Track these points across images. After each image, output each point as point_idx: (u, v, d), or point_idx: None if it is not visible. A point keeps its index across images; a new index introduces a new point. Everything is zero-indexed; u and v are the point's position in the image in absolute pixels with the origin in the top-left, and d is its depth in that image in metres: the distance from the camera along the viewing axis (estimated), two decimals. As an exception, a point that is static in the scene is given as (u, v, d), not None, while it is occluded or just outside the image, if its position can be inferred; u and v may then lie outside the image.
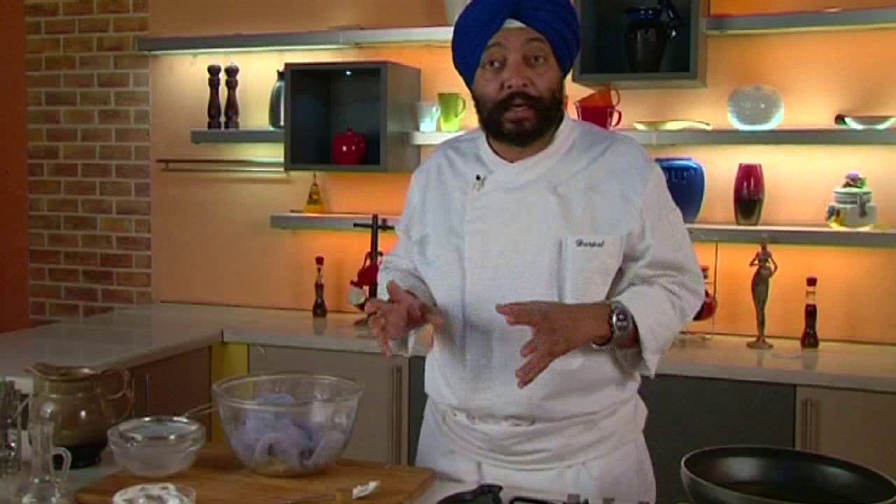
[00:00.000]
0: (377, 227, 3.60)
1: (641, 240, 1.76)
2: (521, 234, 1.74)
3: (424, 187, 1.90)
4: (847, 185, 3.18)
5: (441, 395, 1.86)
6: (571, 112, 3.43)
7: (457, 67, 1.82)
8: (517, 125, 1.72)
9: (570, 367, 1.73)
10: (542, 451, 1.78)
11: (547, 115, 1.74)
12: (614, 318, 1.68)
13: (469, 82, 1.80)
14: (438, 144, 1.97)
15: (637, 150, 1.81)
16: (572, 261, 1.71)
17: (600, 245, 1.72)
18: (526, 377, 1.58)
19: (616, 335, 1.68)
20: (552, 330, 1.59)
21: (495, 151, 1.82)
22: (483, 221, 1.77)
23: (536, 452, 1.78)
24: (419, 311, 1.71)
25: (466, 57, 1.76)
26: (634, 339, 1.72)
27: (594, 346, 1.71)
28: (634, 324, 1.70)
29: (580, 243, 1.71)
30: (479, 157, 1.84)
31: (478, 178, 1.80)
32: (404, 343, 1.83)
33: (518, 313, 1.57)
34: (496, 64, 1.72)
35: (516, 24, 1.70)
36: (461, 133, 1.95)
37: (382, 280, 1.92)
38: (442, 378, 1.85)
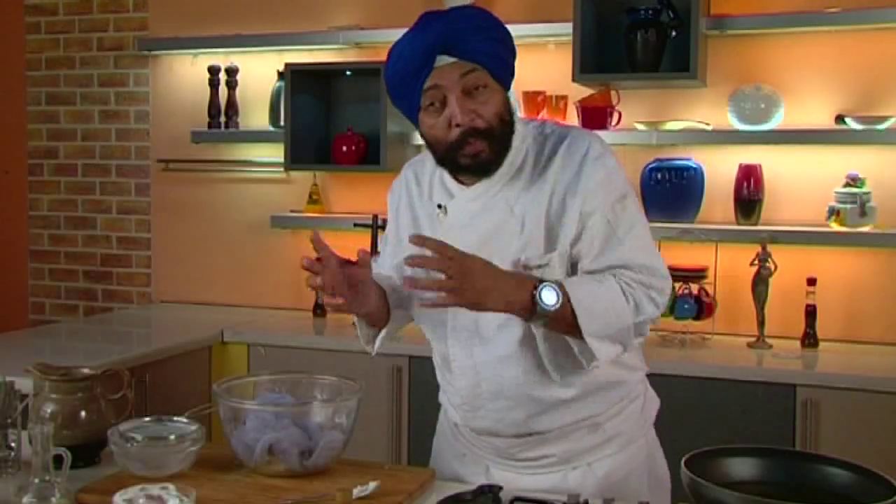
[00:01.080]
0: (377, 227, 3.60)
1: (579, 241, 1.68)
2: (490, 259, 1.65)
3: (396, 209, 1.90)
4: (847, 185, 3.18)
5: (447, 409, 1.90)
6: (572, 112, 3.45)
7: (398, 109, 1.76)
8: (474, 158, 1.67)
9: (555, 384, 1.72)
10: (547, 456, 1.78)
11: (501, 142, 1.69)
12: (537, 291, 1.57)
13: (414, 122, 1.75)
14: (407, 163, 1.94)
15: (584, 147, 1.70)
16: None
17: (546, 265, 1.67)
18: (419, 297, 1.56)
19: (540, 307, 1.56)
20: (464, 271, 1.53)
21: (454, 175, 1.77)
22: None
23: (542, 458, 1.79)
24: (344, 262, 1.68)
25: (406, 104, 1.71)
26: (577, 326, 1.61)
27: (519, 318, 1.62)
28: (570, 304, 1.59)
29: (526, 268, 1.66)
30: (442, 180, 1.80)
31: (439, 206, 1.78)
32: (372, 339, 1.82)
33: (436, 247, 1.53)
34: (436, 104, 1.66)
35: (448, 59, 1.64)
36: (425, 153, 1.86)
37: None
38: (446, 397, 1.88)
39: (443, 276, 1.53)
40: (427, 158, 1.85)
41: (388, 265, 1.88)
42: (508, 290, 1.58)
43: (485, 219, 1.73)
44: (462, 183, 1.76)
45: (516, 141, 1.73)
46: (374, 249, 3.60)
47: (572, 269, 1.69)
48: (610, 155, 1.72)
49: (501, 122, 1.68)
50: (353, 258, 1.70)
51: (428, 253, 1.54)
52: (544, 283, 1.59)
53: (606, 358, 1.66)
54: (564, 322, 1.60)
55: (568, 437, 1.77)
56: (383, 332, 1.81)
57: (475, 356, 1.74)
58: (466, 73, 1.64)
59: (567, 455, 1.78)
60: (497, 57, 1.68)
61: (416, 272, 1.62)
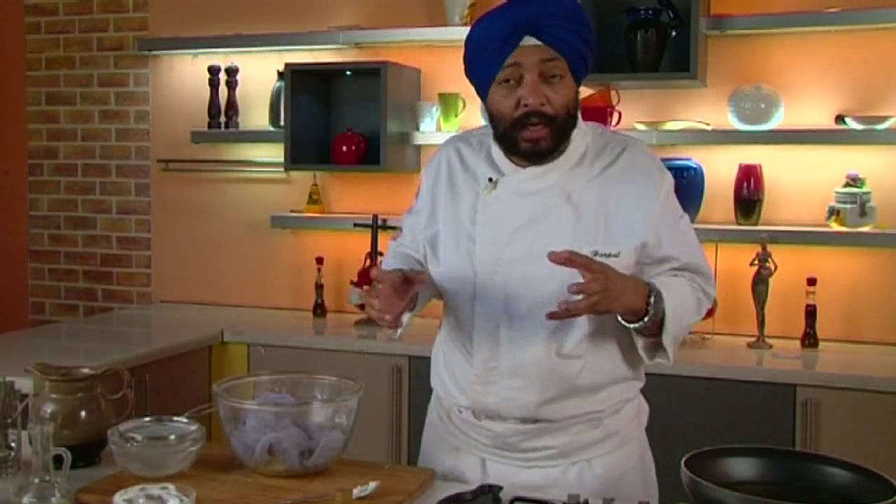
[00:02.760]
0: (377, 226, 3.60)
1: (659, 248, 1.76)
2: (534, 241, 1.72)
3: (434, 183, 1.88)
4: (847, 185, 3.18)
5: (448, 392, 1.87)
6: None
7: (469, 79, 1.79)
8: (533, 144, 1.71)
9: (572, 370, 1.74)
10: (547, 448, 1.79)
11: (562, 133, 1.73)
12: (652, 298, 1.66)
13: (483, 96, 1.78)
14: (449, 138, 1.95)
15: (650, 156, 1.81)
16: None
17: (616, 256, 1.70)
18: (557, 316, 1.58)
19: (650, 314, 1.66)
20: (605, 287, 1.57)
21: (507, 155, 1.80)
22: (494, 227, 1.76)
23: (542, 450, 1.79)
24: (405, 279, 1.67)
25: (481, 73, 1.74)
26: (654, 326, 1.70)
27: (622, 320, 1.69)
28: (663, 311, 1.68)
29: (596, 254, 1.68)
30: (491, 157, 1.82)
31: (490, 180, 1.79)
32: (397, 324, 1.80)
33: (576, 260, 1.56)
34: (512, 81, 1.70)
35: (533, 41, 1.68)
36: (472, 129, 1.92)
37: (391, 263, 1.91)
38: (450, 377, 1.86)
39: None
40: (472, 135, 1.89)
41: (411, 239, 1.92)
42: (631, 298, 1.65)
43: (537, 201, 1.75)
44: (515, 164, 1.78)
45: (577, 135, 1.77)
46: (375, 249, 3.60)
47: (641, 267, 1.76)
48: (668, 171, 1.83)
49: (567, 113, 1.72)
50: (411, 277, 1.69)
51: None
52: (653, 292, 1.67)
53: (673, 356, 1.75)
54: (655, 326, 1.69)
55: (569, 430, 1.78)
56: (408, 316, 1.81)
57: (500, 332, 1.74)
58: (548, 59, 1.69)
59: (567, 448, 1.79)
60: (578, 51, 1.72)
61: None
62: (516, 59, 1.68)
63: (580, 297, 1.56)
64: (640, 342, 1.74)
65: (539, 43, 1.68)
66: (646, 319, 1.66)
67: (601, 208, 1.73)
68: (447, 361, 1.87)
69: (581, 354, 1.74)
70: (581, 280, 1.57)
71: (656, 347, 1.74)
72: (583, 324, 1.73)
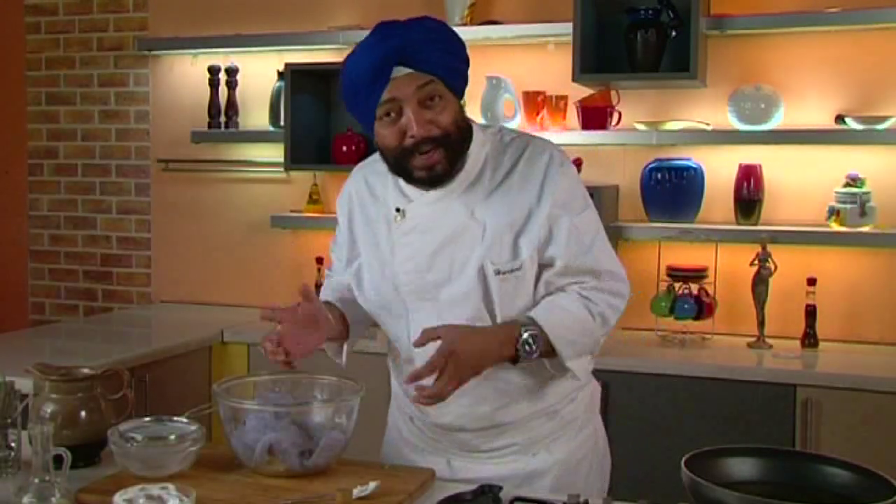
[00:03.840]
0: (377, 227, 3.60)
1: (547, 247, 1.73)
2: (452, 262, 1.73)
3: (349, 214, 1.90)
4: (847, 185, 3.18)
5: (406, 405, 1.90)
6: (572, 112, 3.45)
7: (353, 116, 1.77)
8: (429, 171, 1.69)
9: (518, 376, 1.77)
10: (509, 445, 1.83)
11: (456, 151, 1.71)
12: (520, 343, 1.67)
13: (368, 131, 1.76)
14: (357, 167, 1.95)
15: (546, 156, 1.75)
16: (495, 288, 1.71)
17: (518, 269, 1.71)
18: (429, 402, 1.63)
19: (522, 357, 1.68)
20: (457, 366, 1.60)
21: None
22: (411, 256, 1.76)
23: (506, 447, 1.83)
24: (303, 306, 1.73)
25: (361, 111, 1.71)
26: (546, 353, 1.71)
27: (507, 363, 1.71)
28: (547, 337, 1.68)
29: (498, 272, 1.70)
30: (398, 184, 1.80)
31: (398, 210, 1.78)
32: (339, 353, 1.89)
33: (426, 340, 1.62)
34: (392, 115, 1.67)
35: (405, 70, 1.65)
36: (377, 155, 1.87)
37: (324, 294, 1.94)
38: (405, 397, 1.88)
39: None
40: (379, 160, 1.84)
41: (342, 271, 1.93)
42: (496, 356, 1.68)
43: (444, 223, 1.74)
44: (420, 188, 1.77)
45: (475, 147, 1.75)
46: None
47: (539, 270, 1.74)
48: (571, 165, 1.78)
49: (458, 129, 1.70)
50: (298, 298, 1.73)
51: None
52: (524, 330, 1.68)
53: (581, 371, 1.77)
54: (544, 353, 1.70)
55: (529, 425, 1.82)
56: (346, 346, 1.89)
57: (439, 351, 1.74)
58: (423, 84, 1.65)
59: (529, 442, 1.83)
60: (452, 69, 1.70)
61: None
62: (392, 93, 1.65)
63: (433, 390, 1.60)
64: (547, 364, 1.75)
65: (411, 71, 1.65)
66: (520, 359, 1.69)
67: (503, 220, 1.72)
68: (400, 382, 1.88)
69: (528, 362, 1.74)
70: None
71: (562, 366, 1.74)
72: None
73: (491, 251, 1.71)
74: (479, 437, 1.82)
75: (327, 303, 1.85)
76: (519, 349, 1.67)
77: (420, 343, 1.63)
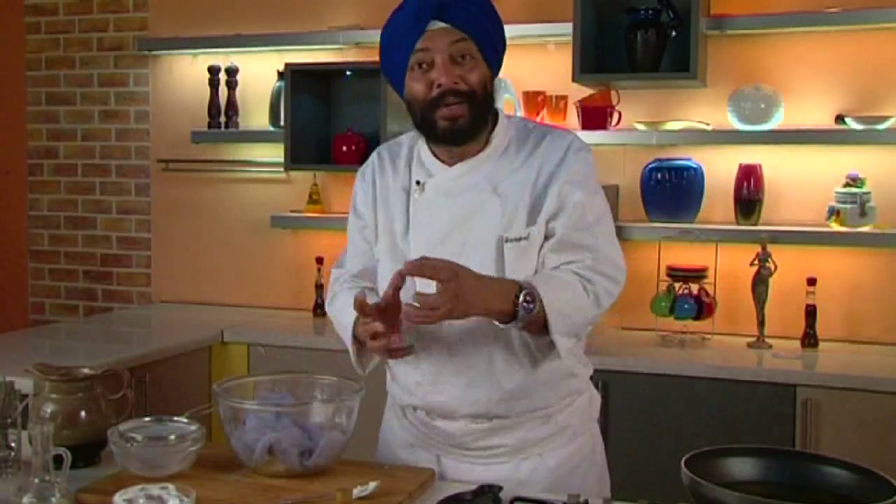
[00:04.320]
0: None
1: (552, 219, 1.75)
2: (465, 237, 1.75)
3: (366, 191, 1.91)
4: (847, 185, 3.18)
5: (399, 395, 1.89)
6: (572, 112, 3.45)
7: (386, 76, 1.83)
8: (451, 122, 1.73)
9: (517, 366, 1.75)
10: (500, 446, 1.81)
11: (480, 110, 1.75)
12: (521, 298, 1.63)
13: (399, 89, 1.80)
14: (377, 148, 1.97)
15: (567, 140, 1.81)
16: (507, 258, 1.73)
17: (526, 238, 1.73)
18: (411, 321, 1.59)
19: (520, 314, 1.64)
20: (456, 294, 1.57)
21: (434, 154, 1.82)
22: (426, 228, 1.78)
23: (495, 448, 1.82)
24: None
25: (394, 63, 1.77)
26: (544, 325, 1.68)
27: (497, 323, 1.67)
28: (542, 307, 1.65)
29: (507, 240, 1.72)
30: (420, 159, 1.84)
31: (418, 182, 1.81)
32: (360, 364, 1.85)
33: (423, 266, 1.57)
34: (424, 66, 1.73)
35: (440, 24, 1.71)
36: (401, 136, 1.93)
37: (338, 296, 1.92)
38: (398, 381, 1.87)
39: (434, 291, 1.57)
40: (402, 141, 1.91)
41: (351, 258, 1.96)
42: (491, 301, 1.63)
43: (465, 197, 1.77)
44: (444, 162, 1.81)
45: (500, 129, 1.81)
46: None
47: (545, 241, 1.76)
48: (589, 152, 1.82)
49: (484, 91, 1.75)
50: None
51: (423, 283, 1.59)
52: (523, 290, 1.64)
53: (565, 351, 1.71)
54: (536, 324, 1.67)
55: (521, 427, 1.80)
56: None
57: (444, 331, 1.74)
58: (457, 41, 1.71)
59: (519, 445, 1.81)
60: (487, 32, 1.75)
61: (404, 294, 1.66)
62: (425, 43, 1.71)
63: (428, 311, 1.57)
64: (530, 340, 1.74)
65: (446, 25, 1.71)
66: (516, 319, 1.65)
67: (524, 194, 1.75)
68: (395, 364, 1.86)
69: (527, 348, 1.75)
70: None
71: (549, 344, 1.72)
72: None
73: (512, 224, 1.74)
74: (467, 432, 1.80)
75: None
76: (517, 305, 1.63)
77: (409, 268, 1.59)
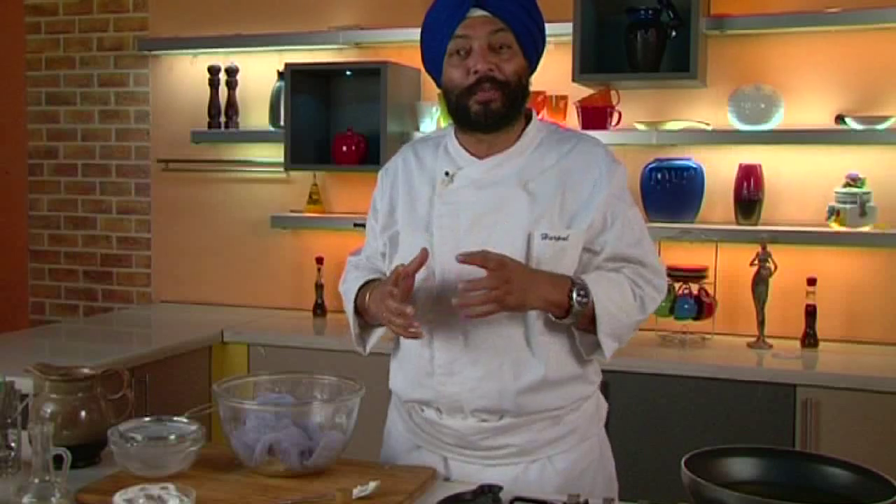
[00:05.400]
0: (377, 227, 3.60)
1: (601, 233, 1.78)
2: (491, 229, 1.76)
3: (391, 186, 1.92)
4: (847, 185, 3.18)
5: (408, 389, 1.88)
6: (572, 112, 3.46)
7: (425, 65, 1.85)
8: (484, 107, 1.75)
9: (532, 362, 1.76)
10: (508, 446, 1.81)
11: (514, 100, 1.77)
12: (574, 293, 1.69)
13: (437, 77, 1.83)
14: (404, 146, 1.99)
15: (602, 148, 1.84)
16: (538, 254, 1.73)
17: (565, 239, 1.74)
18: (466, 313, 1.63)
19: (575, 309, 1.69)
20: (506, 280, 1.61)
21: (464, 147, 1.84)
22: (452, 217, 1.79)
23: (503, 448, 1.81)
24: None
25: (434, 49, 1.79)
26: (591, 322, 1.72)
27: (552, 317, 1.72)
28: (593, 305, 1.70)
29: (545, 237, 1.73)
30: (448, 153, 1.86)
31: (446, 173, 1.82)
32: (362, 342, 1.90)
33: (473, 256, 1.61)
34: (462, 53, 1.75)
35: (480, 12, 1.74)
36: (430, 132, 1.97)
37: (353, 282, 1.94)
38: (409, 373, 1.86)
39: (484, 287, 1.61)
40: (429, 137, 1.94)
41: (371, 249, 1.97)
42: (547, 291, 1.68)
43: (493, 191, 1.78)
44: (473, 155, 1.82)
45: (531, 128, 1.83)
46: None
47: (588, 256, 1.78)
48: (623, 165, 1.85)
49: (519, 82, 1.77)
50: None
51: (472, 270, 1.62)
52: (576, 285, 1.69)
53: (609, 353, 1.77)
54: (585, 319, 1.71)
55: (530, 428, 1.80)
56: (379, 331, 1.91)
57: (461, 321, 1.74)
58: (496, 30, 1.74)
59: (528, 447, 1.81)
60: (526, 25, 1.76)
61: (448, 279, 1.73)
62: (464, 30, 1.74)
63: (479, 293, 1.60)
64: (577, 337, 1.78)
65: (486, 14, 1.73)
66: (571, 314, 1.69)
67: (556, 195, 1.77)
68: (403, 358, 1.88)
69: (544, 346, 1.76)
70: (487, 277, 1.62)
71: (595, 343, 1.76)
72: (542, 314, 1.75)
73: (541, 220, 1.74)
74: (476, 431, 1.79)
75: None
76: (572, 298, 1.68)
77: (466, 258, 1.62)
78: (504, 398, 1.76)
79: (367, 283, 1.90)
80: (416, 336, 1.69)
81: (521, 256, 1.72)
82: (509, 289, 1.62)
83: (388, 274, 1.83)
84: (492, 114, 1.75)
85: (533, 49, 1.79)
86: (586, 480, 1.83)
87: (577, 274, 1.76)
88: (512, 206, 1.76)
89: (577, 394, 1.83)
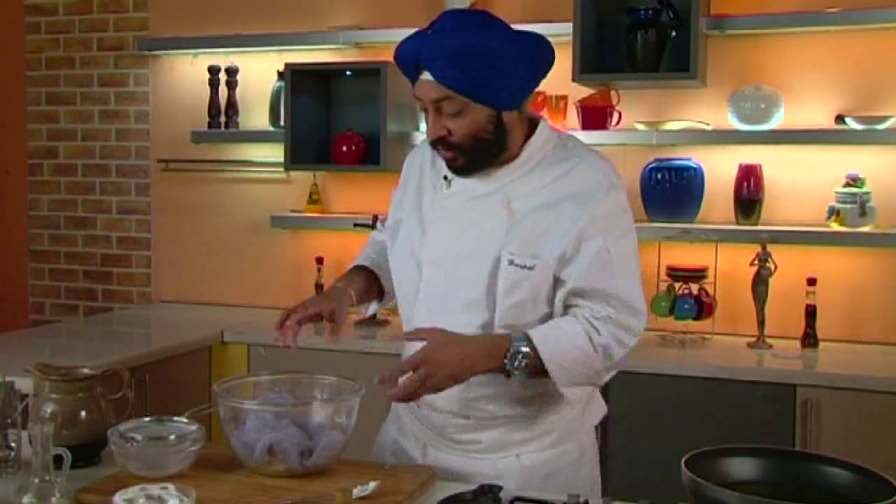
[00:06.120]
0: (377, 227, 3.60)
1: (567, 265, 1.71)
2: (472, 243, 1.75)
3: (407, 173, 1.95)
4: (847, 185, 3.18)
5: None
6: (572, 112, 3.45)
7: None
8: (449, 163, 1.76)
9: (507, 389, 1.76)
10: (476, 442, 1.83)
11: (476, 153, 1.73)
12: (509, 355, 1.67)
13: None
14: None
15: (601, 172, 1.75)
16: (502, 279, 1.71)
17: (531, 268, 1.71)
18: (394, 398, 1.69)
19: (509, 369, 1.68)
20: (429, 372, 1.64)
21: None
22: (446, 223, 1.80)
23: (471, 443, 1.83)
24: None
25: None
26: (536, 371, 1.70)
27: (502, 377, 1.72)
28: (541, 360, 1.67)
29: (511, 262, 1.71)
30: None
31: (445, 178, 1.82)
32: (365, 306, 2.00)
33: (414, 338, 1.69)
34: (423, 108, 1.75)
35: (427, 76, 1.68)
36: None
37: (357, 260, 2.04)
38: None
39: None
40: None
41: (396, 216, 1.98)
42: (479, 365, 1.68)
43: (478, 203, 1.78)
44: None
45: (535, 142, 1.77)
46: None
47: (555, 285, 1.74)
48: (622, 190, 1.77)
49: (476, 140, 1.71)
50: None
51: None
52: (518, 344, 1.67)
53: (576, 398, 1.78)
54: (537, 372, 1.69)
55: (498, 429, 1.81)
56: (375, 305, 2.03)
57: (442, 323, 1.75)
58: (440, 98, 1.69)
59: (495, 445, 1.82)
60: (479, 84, 1.66)
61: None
62: (417, 92, 1.73)
63: (405, 377, 1.65)
64: (549, 381, 1.73)
65: (431, 78, 1.68)
66: (512, 376, 1.69)
67: (538, 218, 1.72)
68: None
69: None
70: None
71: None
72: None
73: (512, 243, 1.72)
74: (448, 425, 1.82)
75: (358, 268, 1.99)
76: (507, 362, 1.67)
77: (408, 337, 1.72)
78: (466, 402, 1.79)
79: (364, 267, 1.99)
80: (284, 344, 1.84)
81: (484, 279, 1.72)
82: (434, 380, 1.64)
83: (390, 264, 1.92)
84: (458, 168, 1.76)
85: (494, 98, 1.68)
86: (558, 480, 1.81)
87: (556, 303, 1.74)
88: (490, 223, 1.75)
89: (552, 401, 1.80)
